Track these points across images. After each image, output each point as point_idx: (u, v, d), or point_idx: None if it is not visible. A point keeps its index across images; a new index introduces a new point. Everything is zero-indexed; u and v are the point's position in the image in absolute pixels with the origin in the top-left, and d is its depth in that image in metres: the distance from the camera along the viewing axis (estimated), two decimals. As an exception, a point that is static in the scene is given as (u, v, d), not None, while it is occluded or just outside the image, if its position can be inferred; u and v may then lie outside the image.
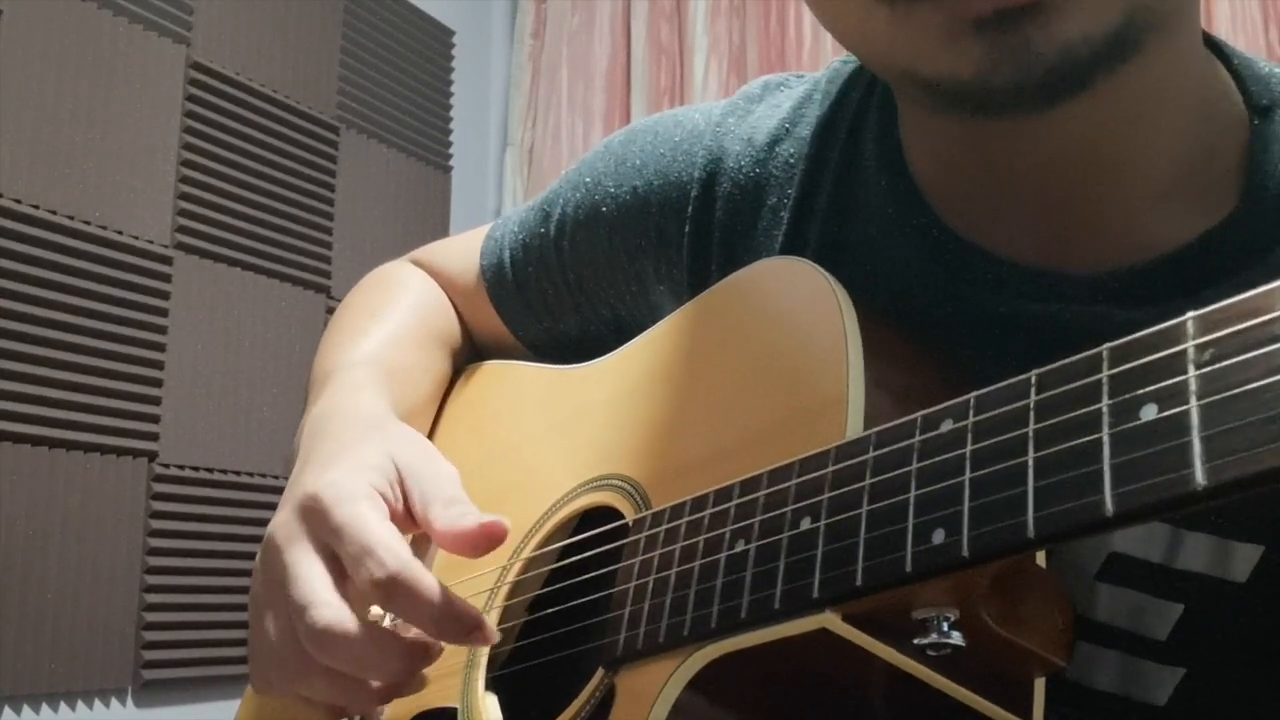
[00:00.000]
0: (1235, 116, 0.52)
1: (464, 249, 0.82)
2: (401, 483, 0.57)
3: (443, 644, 0.55)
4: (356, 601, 0.53)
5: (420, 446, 0.62)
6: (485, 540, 0.54)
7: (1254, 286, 0.30)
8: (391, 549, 0.52)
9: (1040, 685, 0.44)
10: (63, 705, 1.80)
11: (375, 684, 0.55)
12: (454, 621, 0.52)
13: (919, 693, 0.42)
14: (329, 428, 0.64)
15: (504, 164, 2.76)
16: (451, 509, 0.55)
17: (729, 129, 0.66)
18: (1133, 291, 0.50)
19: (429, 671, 0.55)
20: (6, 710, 1.72)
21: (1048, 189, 0.51)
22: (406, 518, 0.57)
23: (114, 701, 1.87)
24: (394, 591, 0.51)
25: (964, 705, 0.42)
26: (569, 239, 0.72)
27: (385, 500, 0.56)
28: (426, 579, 0.52)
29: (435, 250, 0.86)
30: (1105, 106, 0.48)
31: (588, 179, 0.71)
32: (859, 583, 0.39)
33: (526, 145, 2.74)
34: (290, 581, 0.53)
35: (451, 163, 2.64)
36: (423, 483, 0.57)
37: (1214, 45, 0.55)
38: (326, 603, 0.52)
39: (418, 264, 0.86)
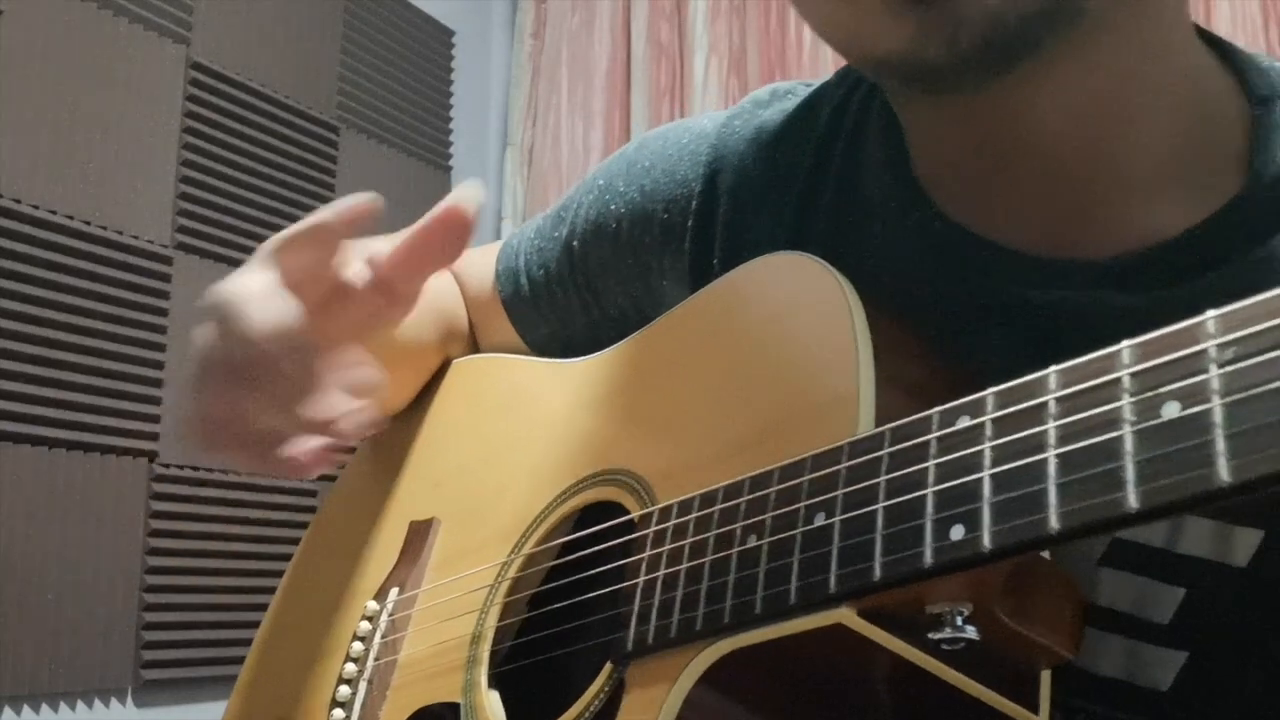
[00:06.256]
0: (1235, 107, 0.53)
1: (480, 258, 0.83)
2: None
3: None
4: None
5: None
6: (457, 218, 0.57)
7: (1253, 272, 0.30)
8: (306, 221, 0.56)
9: (1046, 676, 0.44)
10: (63, 705, 1.80)
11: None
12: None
13: (927, 685, 0.42)
14: None
15: (504, 164, 2.76)
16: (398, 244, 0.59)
17: (735, 130, 0.67)
18: (1135, 277, 0.50)
19: (432, 665, 0.54)
20: (6, 710, 1.72)
21: (1042, 175, 0.52)
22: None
23: (114, 701, 1.87)
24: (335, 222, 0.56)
25: (972, 698, 0.42)
26: (580, 239, 0.73)
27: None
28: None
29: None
30: (1074, 87, 0.49)
31: (601, 182, 0.73)
32: (877, 578, 0.39)
33: (526, 145, 2.74)
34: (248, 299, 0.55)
35: (451, 163, 2.64)
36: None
37: (1215, 42, 0.55)
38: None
39: None
